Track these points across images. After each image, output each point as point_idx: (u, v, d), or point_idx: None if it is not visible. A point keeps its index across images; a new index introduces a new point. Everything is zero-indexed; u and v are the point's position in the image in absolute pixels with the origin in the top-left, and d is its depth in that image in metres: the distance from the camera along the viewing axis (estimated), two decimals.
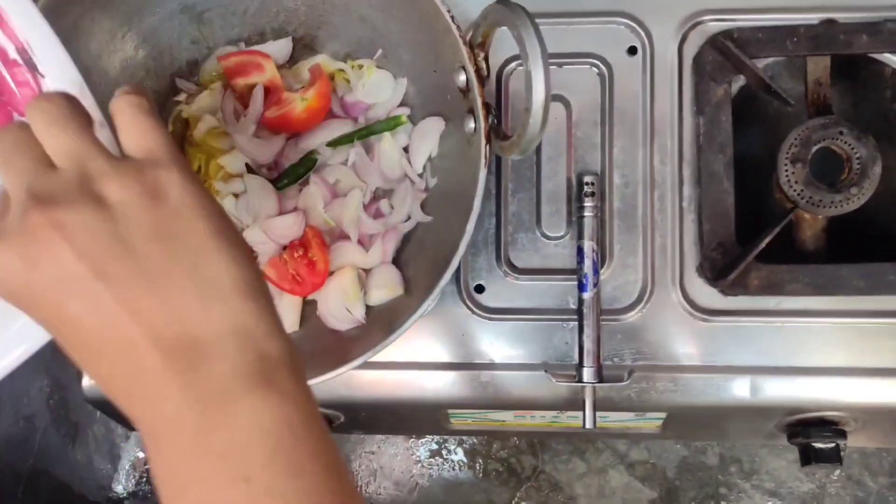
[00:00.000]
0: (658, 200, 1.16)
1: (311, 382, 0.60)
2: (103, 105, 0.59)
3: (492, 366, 1.15)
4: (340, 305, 1.06)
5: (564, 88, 1.18)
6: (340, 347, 1.00)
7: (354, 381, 1.14)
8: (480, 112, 0.93)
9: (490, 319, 1.15)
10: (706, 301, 1.14)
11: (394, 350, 1.03)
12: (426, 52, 1.02)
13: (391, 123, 1.10)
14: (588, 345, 1.11)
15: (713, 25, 1.19)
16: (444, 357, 1.14)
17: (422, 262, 1.04)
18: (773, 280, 1.10)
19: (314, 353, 1.00)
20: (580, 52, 1.18)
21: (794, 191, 1.13)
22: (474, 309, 1.16)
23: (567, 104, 1.18)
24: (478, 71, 0.94)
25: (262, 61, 1.09)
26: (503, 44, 0.95)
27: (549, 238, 1.17)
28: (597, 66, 1.18)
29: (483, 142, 0.93)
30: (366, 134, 1.10)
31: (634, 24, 1.19)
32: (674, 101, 1.17)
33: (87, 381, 1.13)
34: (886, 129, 1.22)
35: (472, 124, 0.96)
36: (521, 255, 1.17)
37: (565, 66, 1.19)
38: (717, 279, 1.11)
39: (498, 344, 1.15)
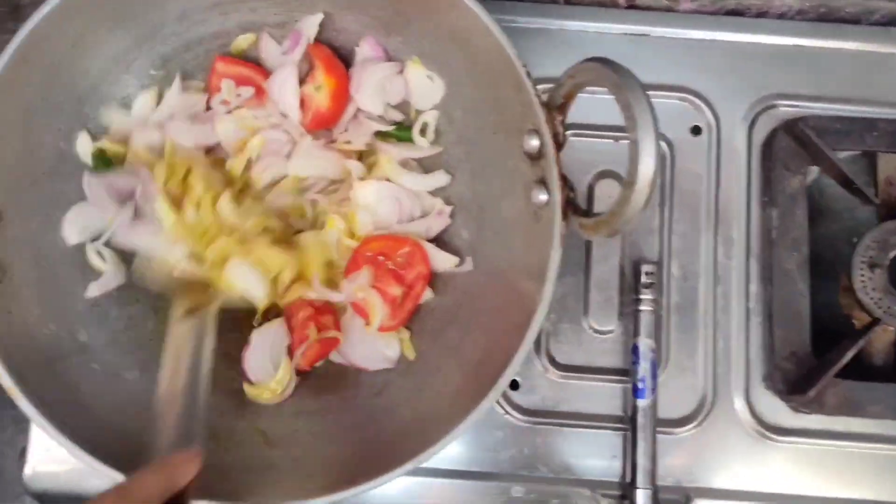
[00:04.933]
0: (722, 297, 1.02)
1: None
2: None
3: (525, 478, 0.99)
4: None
5: (619, 164, 1.05)
6: (372, 451, 0.83)
7: None
8: (556, 183, 0.79)
9: (524, 422, 1.00)
10: (775, 417, 1.00)
11: None
12: (486, 109, 0.88)
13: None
14: (643, 462, 0.96)
15: (785, 111, 1.08)
16: (467, 464, 0.99)
17: (455, 366, 0.88)
18: (853, 399, 0.97)
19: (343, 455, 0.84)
20: None
21: (871, 298, 1.00)
22: (506, 408, 1.00)
23: (622, 181, 1.04)
24: (555, 136, 0.80)
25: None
26: None
27: (597, 331, 1.02)
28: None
29: (558, 217, 0.78)
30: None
31: (700, 103, 1.07)
32: (741, 187, 1.05)
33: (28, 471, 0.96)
34: None
35: (542, 196, 0.82)
36: (563, 348, 1.02)
37: (621, 141, 1.06)
38: (790, 393, 0.98)
39: (533, 452, 0.99)
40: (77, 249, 0.91)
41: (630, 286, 1.02)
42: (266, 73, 0.97)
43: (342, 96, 0.95)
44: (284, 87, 0.95)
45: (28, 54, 0.82)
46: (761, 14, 1.11)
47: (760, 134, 1.06)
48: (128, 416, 0.84)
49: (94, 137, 0.92)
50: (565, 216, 0.79)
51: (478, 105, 0.90)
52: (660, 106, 1.02)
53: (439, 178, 0.97)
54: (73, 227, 0.90)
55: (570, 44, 1.07)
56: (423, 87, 0.95)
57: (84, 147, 0.91)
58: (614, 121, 1.04)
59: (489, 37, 0.81)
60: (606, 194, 1.05)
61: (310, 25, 0.96)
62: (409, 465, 0.77)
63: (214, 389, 0.88)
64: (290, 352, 0.92)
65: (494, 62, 0.83)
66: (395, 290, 0.92)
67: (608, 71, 0.72)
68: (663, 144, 1.05)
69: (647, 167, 0.69)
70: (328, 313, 0.93)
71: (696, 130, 1.06)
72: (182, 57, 0.96)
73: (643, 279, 1.00)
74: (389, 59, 0.97)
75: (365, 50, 0.96)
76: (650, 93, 1.04)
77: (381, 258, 0.93)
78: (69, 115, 0.90)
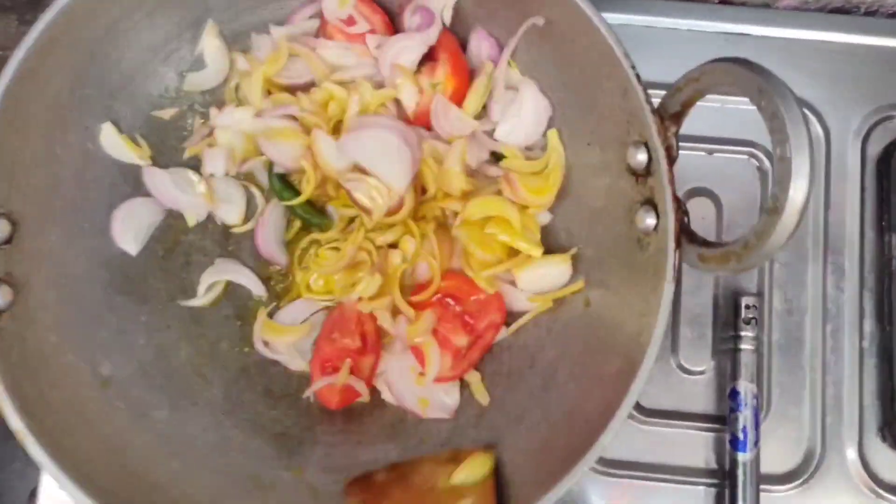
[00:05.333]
0: (831, 336, 0.90)
1: None
2: None
3: None
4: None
5: (713, 180, 0.93)
6: None
7: None
8: (670, 204, 0.66)
9: (603, 474, 0.87)
10: (892, 474, 0.87)
11: None
12: (579, 117, 0.76)
13: None
14: None
15: None
16: None
17: (541, 417, 0.75)
18: None
19: None
20: (736, 138, 0.94)
21: None
22: None
23: (716, 200, 0.92)
24: (668, 150, 0.67)
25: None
26: None
27: (687, 371, 0.89)
28: (756, 158, 0.93)
29: (671, 245, 0.66)
30: None
31: (807, 113, 0.94)
32: (853, 209, 0.92)
33: None
34: None
35: (650, 220, 0.69)
36: (649, 390, 0.90)
37: (716, 154, 0.93)
38: None
39: None
40: (102, 265, 0.78)
41: (726, 321, 0.89)
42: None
43: (457, 101, 0.82)
44: (400, 58, 0.82)
45: (55, 39, 0.71)
46: (870, 13, 0.98)
47: (875, 148, 0.94)
48: (156, 464, 0.72)
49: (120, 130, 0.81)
50: (679, 245, 0.66)
51: (569, 111, 0.77)
52: (758, 116, 0.90)
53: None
54: (127, 235, 0.80)
55: (657, 43, 0.94)
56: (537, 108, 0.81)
57: (109, 140, 0.80)
58: (706, 131, 0.94)
59: (591, 34, 0.69)
60: (698, 215, 0.92)
61: (442, 4, 0.82)
62: None
63: (254, 432, 0.76)
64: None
65: (595, 63, 0.71)
66: (461, 340, 0.80)
67: (750, 74, 0.59)
68: (764, 159, 0.92)
69: (799, 191, 0.57)
70: (371, 354, 0.80)
71: None
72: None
73: (743, 313, 0.87)
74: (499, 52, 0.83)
75: (478, 45, 0.83)
76: (743, 99, 0.93)
77: (449, 301, 0.80)
78: (98, 112, 0.79)
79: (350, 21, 0.83)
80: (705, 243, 0.66)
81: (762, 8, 0.98)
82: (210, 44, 0.83)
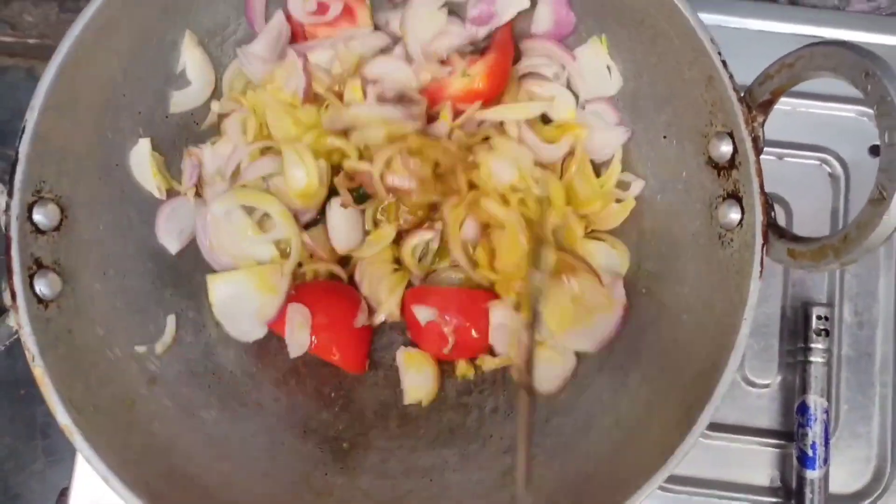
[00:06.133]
0: None
1: None
2: None
3: None
4: None
5: (784, 186, 0.89)
6: None
7: None
8: (757, 198, 0.63)
9: (665, 490, 0.82)
10: None
11: None
12: (657, 107, 0.72)
13: None
14: None
15: None
16: None
17: (612, 423, 0.71)
18: None
19: None
20: (807, 143, 0.90)
21: None
22: None
23: (787, 206, 0.88)
24: (755, 141, 0.64)
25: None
26: None
27: (752, 384, 0.85)
28: (828, 164, 0.89)
29: (758, 241, 0.62)
30: None
31: None
32: None
33: None
34: None
35: (733, 215, 0.66)
36: None
37: (786, 159, 0.90)
38: None
39: None
40: (150, 257, 0.75)
41: (794, 332, 0.85)
42: None
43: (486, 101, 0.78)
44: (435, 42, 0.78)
45: (113, 17, 0.67)
46: None
47: None
48: (204, 466, 0.68)
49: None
50: (766, 240, 0.63)
51: (647, 101, 0.74)
52: (833, 118, 0.87)
53: None
54: (171, 233, 0.76)
55: (725, 43, 0.90)
56: (596, 77, 0.77)
57: (139, 158, 0.75)
58: (777, 135, 0.90)
59: (675, 17, 0.66)
60: None
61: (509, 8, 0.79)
62: None
63: (306, 435, 0.72)
64: None
65: (678, 49, 0.67)
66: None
67: (855, 57, 0.56)
68: (836, 165, 0.89)
69: None
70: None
71: (874, 150, 0.90)
72: None
73: (814, 324, 0.83)
74: (575, 21, 0.78)
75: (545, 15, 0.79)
76: (824, 104, 0.90)
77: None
78: (152, 97, 0.75)
79: (322, 8, 0.78)
80: (796, 238, 0.63)
81: (834, 10, 0.95)
82: (192, 56, 0.77)
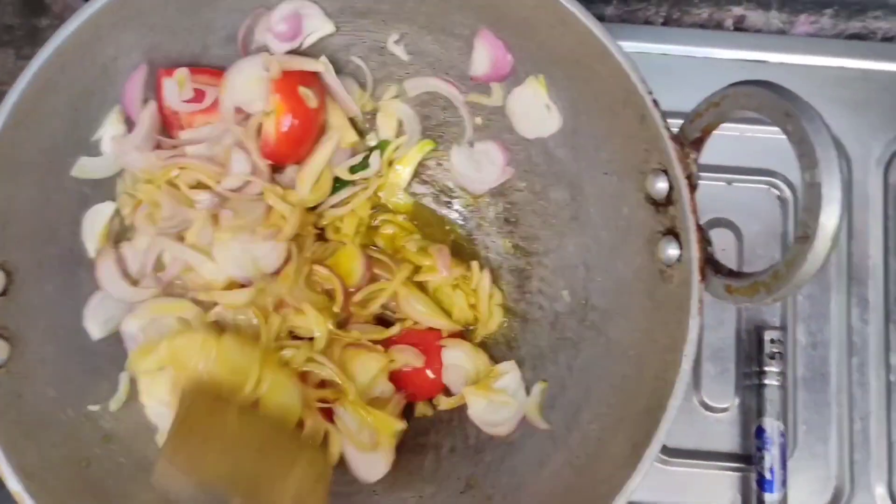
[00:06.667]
0: (857, 370, 0.87)
1: None
2: None
3: None
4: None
5: (733, 211, 0.91)
6: None
7: None
8: (692, 235, 0.64)
9: None
10: None
11: None
12: (596, 146, 0.73)
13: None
14: None
15: None
16: None
17: (563, 461, 0.72)
18: None
19: None
20: (756, 167, 0.92)
21: None
22: None
23: (737, 231, 0.90)
24: (689, 178, 0.65)
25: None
26: None
27: (710, 409, 0.87)
28: (777, 188, 0.91)
29: (695, 277, 0.63)
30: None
31: None
32: (877, 239, 0.90)
33: None
34: None
35: (672, 251, 0.67)
36: (671, 429, 0.83)
37: (735, 184, 0.91)
38: None
39: None
40: None
41: (749, 356, 0.86)
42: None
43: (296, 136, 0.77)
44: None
45: (51, 79, 0.67)
46: (887, 38, 0.96)
47: None
48: None
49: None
50: (704, 277, 0.64)
51: (584, 140, 0.75)
52: (779, 144, 0.87)
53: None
54: (96, 320, 0.75)
55: (673, 72, 0.92)
56: (536, 116, 0.78)
57: (95, 219, 0.75)
58: (726, 160, 0.91)
59: (607, 59, 0.67)
60: (718, 247, 0.89)
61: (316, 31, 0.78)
62: None
63: None
64: None
65: (611, 90, 0.68)
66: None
67: (775, 97, 0.57)
68: (785, 188, 0.90)
69: (830, 217, 0.54)
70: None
71: None
72: None
73: (767, 348, 0.84)
74: (513, 62, 0.77)
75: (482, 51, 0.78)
76: (770, 129, 0.91)
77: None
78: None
79: (199, 96, 0.77)
80: (731, 274, 0.64)
81: (778, 35, 0.97)
82: (111, 131, 0.75)
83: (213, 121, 0.77)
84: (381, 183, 0.83)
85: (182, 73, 0.75)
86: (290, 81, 0.75)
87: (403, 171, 0.83)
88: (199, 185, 0.76)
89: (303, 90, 0.75)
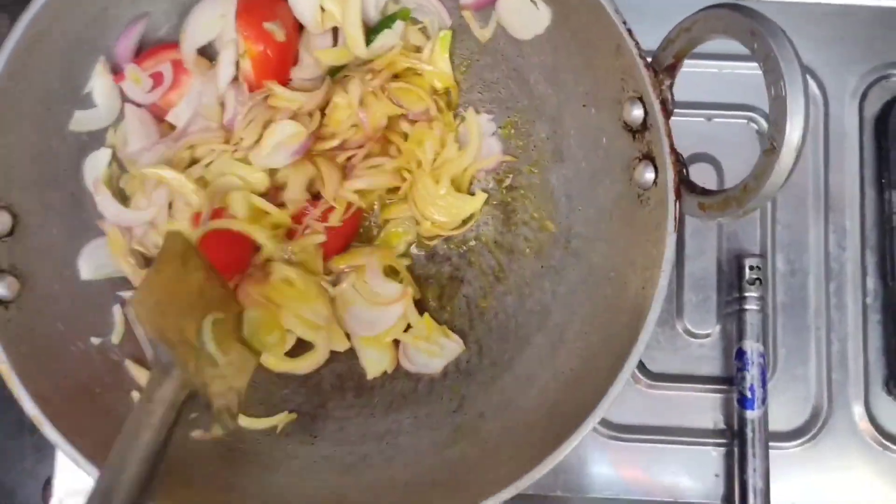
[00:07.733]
0: (834, 295, 0.90)
1: None
2: None
3: (614, 502, 0.86)
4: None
5: (713, 146, 0.93)
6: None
7: None
8: (667, 157, 0.67)
9: (612, 438, 0.87)
10: None
11: None
12: (573, 79, 0.76)
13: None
14: (754, 481, 0.84)
15: None
16: (549, 487, 0.87)
17: (551, 378, 0.76)
18: None
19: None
20: (734, 102, 0.94)
21: None
22: None
23: (718, 166, 0.92)
24: (663, 103, 0.68)
25: None
26: None
27: (693, 335, 0.90)
28: (755, 122, 0.93)
29: (671, 196, 0.66)
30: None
31: None
32: (853, 169, 0.93)
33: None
34: None
35: (648, 175, 0.70)
36: (655, 355, 0.90)
37: (715, 119, 0.94)
38: None
39: (624, 472, 0.87)
40: None
41: (730, 283, 0.89)
42: None
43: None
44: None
45: (42, 32, 0.70)
46: None
47: (873, 108, 0.94)
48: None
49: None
50: (679, 196, 0.67)
51: (563, 75, 0.78)
52: (758, 78, 0.90)
53: None
54: (89, 264, 0.78)
55: (648, 9, 0.94)
56: (526, 13, 0.79)
57: (95, 165, 0.78)
58: (705, 97, 0.94)
59: None
60: (699, 181, 0.92)
61: None
62: (503, 495, 0.65)
63: (267, 412, 0.76)
64: None
65: (587, 23, 0.71)
66: None
67: (741, 17, 0.60)
68: (764, 123, 0.93)
69: (795, 128, 0.57)
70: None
71: None
72: None
73: (747, 275, 0.87)
74: None
75: None
76: (748, 64, 0.93)
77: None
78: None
79: (157, 78, 0.80)
80: (704, 192, 0.67)
81: None
82: (100, 83, 0.78)
83: (186, 91, 0.80)
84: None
85: (132, 70, 0.78)
86: (253, 19, 0.76)
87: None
88: None
89: (268, 25, 0.77)
